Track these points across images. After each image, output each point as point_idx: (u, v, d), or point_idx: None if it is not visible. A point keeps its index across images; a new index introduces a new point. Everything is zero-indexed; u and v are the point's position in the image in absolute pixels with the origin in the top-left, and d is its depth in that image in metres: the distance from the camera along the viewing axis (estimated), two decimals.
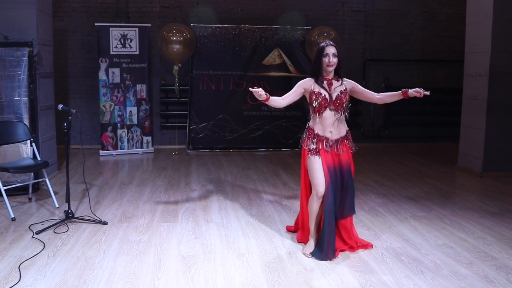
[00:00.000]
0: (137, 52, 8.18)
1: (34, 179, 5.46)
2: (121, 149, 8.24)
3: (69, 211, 4.56)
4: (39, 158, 5.26)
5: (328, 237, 3.75)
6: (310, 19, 8.87)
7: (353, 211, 3.96)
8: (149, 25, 8.33)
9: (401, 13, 9.30)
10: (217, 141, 8.59)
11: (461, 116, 7.15)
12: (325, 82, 3.84)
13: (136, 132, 8.32)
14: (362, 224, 4.59)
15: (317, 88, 3.83)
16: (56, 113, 6.47)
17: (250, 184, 6.18)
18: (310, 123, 3.90)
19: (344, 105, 3.83)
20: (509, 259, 3.75)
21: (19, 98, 5.68)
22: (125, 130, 8.26)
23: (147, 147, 8.43)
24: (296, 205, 5.24)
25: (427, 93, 3.63)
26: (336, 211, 3.85)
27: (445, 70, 9.50)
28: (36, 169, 5.18)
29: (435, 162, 7.69)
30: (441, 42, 9.40)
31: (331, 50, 3.76)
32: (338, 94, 3.80)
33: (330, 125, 3.82)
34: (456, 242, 4.12)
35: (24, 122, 5.49)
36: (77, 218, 4.61)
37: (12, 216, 4.65)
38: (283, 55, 8.57)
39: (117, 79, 8.13)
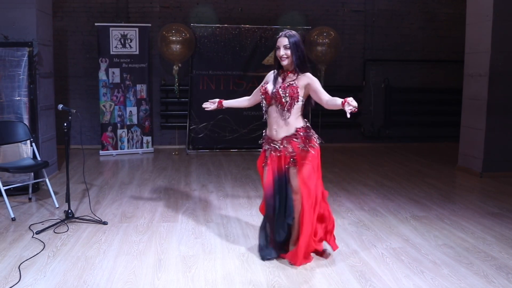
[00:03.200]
0: (137, 52, 8.18)
1: (34, 179, 5.45)
2: (121, 149, 8.24)
3: (69, 211, 4.56)
4: (39, 158, 5.26)
5: (265, 240, 3.75)
6: (310, 19, 8.87)
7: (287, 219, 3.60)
8: (149, 25, 8.33)
9: (401, 13, 9.30)
10: (217, 141, 8.59)
11: (461, 116, 7.15)
12: (280, 75, 3.59)
13: (136, 132, 8.32)
14: (362, 224, 4.60)
15: (269, 82, 3.62)
16: (56, 113, 6.46)
17: (250, 184, 6.17)
18: None
19: (284, 100, 3.46)
20: (509, 259, 3.75)
21: (19, 98, 5.67)
22: (125, 130, 8.26)
23: (147, 147, 8.43)
24: None
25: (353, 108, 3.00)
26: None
27: (445, 70, 9.50)
28: (36, 169, 5.18)
29: (435, 162, 7.69)
30: (441, 42, 9.40)
31: (282, 41, 3.47)
32: (277, 88, 3.51)
33: (274, 122, 3.57)
34: (456, 242, 4.12)
35: (24, 122, 5.49)
36: (77, 218, 4.61)
37: (12, 216, 4.65)
38: None
39: (117, 79, 8.13)
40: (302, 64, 3.50)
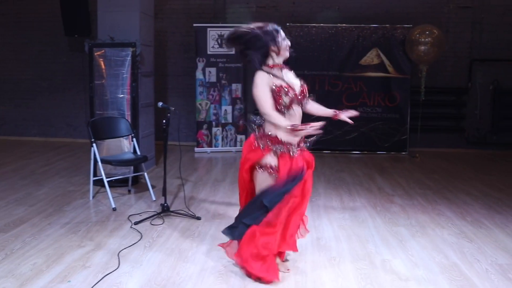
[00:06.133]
0: (233, 52, 8.29)
1: (134, 172, 5.72)
2: (215, 147, 8.42)
3: (165, 204, 4.71)
4: (138, 153, 5.50)
5: None
6: (411, 17, 8.44)
7: None
8: None
9: None
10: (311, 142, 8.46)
11: None
12: (275, 69, 3.31)
13: (230, 130, 8.46)
14: (463, 235, 4.26)
15: (277, 80, 3.26)
16: (155, 110, 6.74)
17: (344, 187, 5.99)
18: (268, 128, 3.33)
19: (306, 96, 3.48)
20: None
21: (122, 95, 5.99)
22: (220, 128, 8.43)
23: (241, 146, 8.53)
24: (392, 210, 5.00)
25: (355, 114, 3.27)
26: None
27: None
28: (136, 163, 5.42)
29: None
30: None
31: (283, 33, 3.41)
32: (300, 84, 3.47)
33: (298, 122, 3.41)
34: None
35: (126, 118, 5.78)
36: (172, 211, 4.75)
37: (113, 206, 4.91)
38: (382, 55, 8.25)
39: (213, 78, 8.32)
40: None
